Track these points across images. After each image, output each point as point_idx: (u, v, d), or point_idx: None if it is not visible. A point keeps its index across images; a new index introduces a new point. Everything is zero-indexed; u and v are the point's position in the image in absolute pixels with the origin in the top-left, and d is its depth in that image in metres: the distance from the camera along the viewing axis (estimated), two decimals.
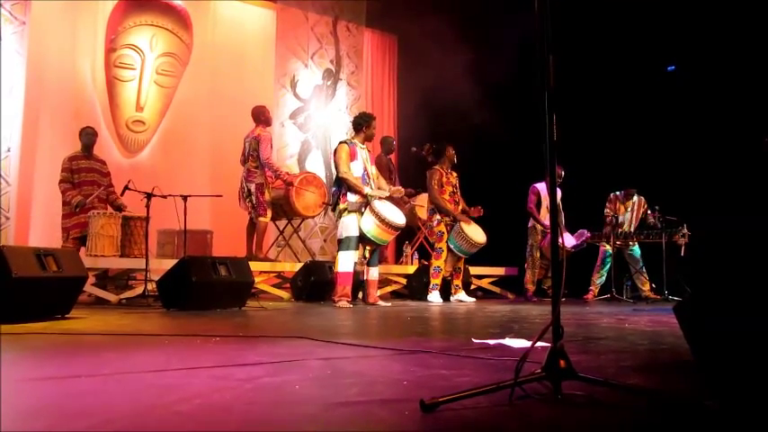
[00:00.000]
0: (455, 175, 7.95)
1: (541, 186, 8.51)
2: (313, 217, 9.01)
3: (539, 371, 1.92)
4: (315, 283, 7.31)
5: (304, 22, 11.11)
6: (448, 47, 9.20)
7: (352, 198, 6.53)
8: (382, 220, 6.39)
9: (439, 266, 7.64)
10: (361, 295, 7.11)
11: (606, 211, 8.92)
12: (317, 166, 10.89)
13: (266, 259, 8.05)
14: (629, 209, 8.91)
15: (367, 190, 6.52)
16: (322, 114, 11.19)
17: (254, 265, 7.07)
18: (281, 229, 8.96)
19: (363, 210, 6.49)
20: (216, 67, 10.19)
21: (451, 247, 7.60)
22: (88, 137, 7.41)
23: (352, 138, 6.85)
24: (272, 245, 9.08)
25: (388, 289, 8.72)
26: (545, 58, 2.08)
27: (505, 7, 8.13)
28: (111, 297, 6.69)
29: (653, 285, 8.63)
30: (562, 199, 8.70)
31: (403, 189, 7.46)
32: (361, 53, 11.88)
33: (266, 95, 10.02)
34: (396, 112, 12.45)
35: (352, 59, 11.70)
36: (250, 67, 10.63)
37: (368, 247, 6.68)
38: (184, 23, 10.09)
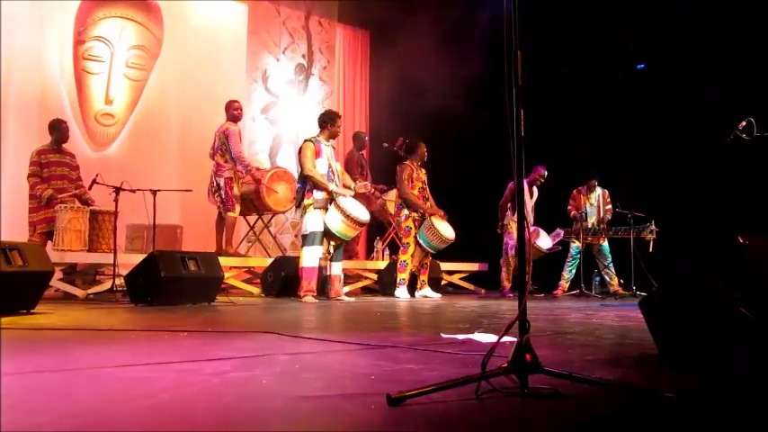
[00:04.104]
0: (425, 171, 7.97)
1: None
2: (284, 212, 8.98)
3: (506, 365, 1.94)
4: (285, 279, 7.29)
5: (276, 16, 11.05)
6: (420, 42, 9.21)
7: (317, 195, 6.64)
8: (347, 216, 6.47)
9: (405, 261, 7.67)
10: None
11: (568, 208, 9.03)
12: (288, 161, 10.84)
13: (236, 254, 8.00)
14: (593, 202, 9.00)
15: (332, 186, 6.61)
16: (293, 109, 11.14)
17: (224, 261, 7.03)
18: (251, 224, 8.92)
19: (328, 206, 6.57)
20: (187, 60, 10.08)
21: (421, 242, 7.63)
22: (62, 132, 7.25)
23: (317, 135, 6.91)
24: (243, 240, 9.02)
25: (359, 284, 8.71)
26: (513, 54, 2.09)
27: (477, 2, 8.17)
28: (79, 292, 6.60)
29: (621, 281, 8.72)
30: (539, 199, 8.80)
31: (369, 184, 7.48)
32: (333, 48, 11.85)
33: (237, 90, 9.95)
34: (367, 108, 12.44)
35: (324, 54, 11.67)
36: (221, 62, 10.53)
37: (332, 243, 6.73)
38: (155, 16, 9.97)
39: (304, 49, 11.37)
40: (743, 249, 2.60)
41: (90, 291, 6.68)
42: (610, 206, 8.96)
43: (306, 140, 6.88)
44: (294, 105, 11.16)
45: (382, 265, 8.64)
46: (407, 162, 7.84)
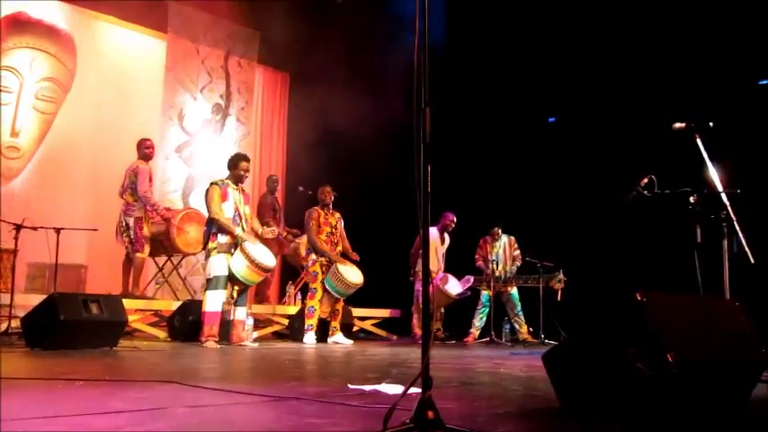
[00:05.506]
0: (337, 215, 7.94)
1: (432, 231, 8.62)
2: (195, 254, 8.75)
3: (408, 420, 1.92)
4: (192, 323, 7.06)
5: (195, 54, 10.93)
6: (339, 87, 9.29)
7: (222, 239, 6.57)
8: (252, 261, 6.44)
9: (313, 306, 7.60)
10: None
11: (476, 256, 9.18)
12: (201, 201, 10.62)
13: (143, 297, 7.77)
14: (497, 250, 9.15)
15: (238, 230, 6.56)
16: (209, 149, 10.97)
17: (130, 303, 6.81)
18: (160, 265, 8.68)
19: (233, 250, 6.51)
20: (100, 94, 9.83)
21: (328, 287, 7.59)
22: None
23: (225, 179, 6.88)
24: (151, 281, 8.77)
25: (270, 330, 8.57)
26: (421, 110, 2.12)
27: (396, 48, 8.30)
28: None
29: (530, 329, 8.87)
30: (450, 246, 8.93)
31: (276, 229, 7.45)
32: (251, 89, 11.79)
33: (152, 127, 9.74)
34: (285, 150, 12.39)
35: (243, 95, 11.59)
36: (136, 97, 10.31)
37: (236, 288, 6.62)
38: (68, 47, 9.71)
39: (222, 88, 11.27)
40: (641, 306, 2.68)
41: None
42: (518, 252, 9.14)
43: (212, 183, 6.84)
44: (210, 145, 10.98)
45: (293, 310, 8.54)
46: (316, 207, 7.86)
